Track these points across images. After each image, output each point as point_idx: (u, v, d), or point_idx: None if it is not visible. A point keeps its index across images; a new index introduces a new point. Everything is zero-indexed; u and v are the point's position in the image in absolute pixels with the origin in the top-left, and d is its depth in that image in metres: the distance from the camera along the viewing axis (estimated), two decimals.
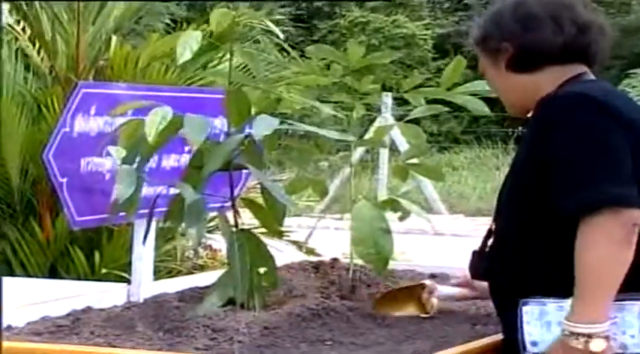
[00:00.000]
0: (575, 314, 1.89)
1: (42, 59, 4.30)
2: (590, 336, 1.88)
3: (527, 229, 2.03)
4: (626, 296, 1.92)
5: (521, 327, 1.99)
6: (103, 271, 4.10)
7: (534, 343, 1.97)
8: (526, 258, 2.03)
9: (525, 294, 1.98)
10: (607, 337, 1.89)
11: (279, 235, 3.63)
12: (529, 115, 2.11)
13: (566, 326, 1.90)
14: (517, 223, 2.07)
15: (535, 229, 2.02)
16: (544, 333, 1.96)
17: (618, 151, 1.94)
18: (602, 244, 1.88)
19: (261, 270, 2.28)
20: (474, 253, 2.20)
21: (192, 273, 4.18)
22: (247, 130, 2.38)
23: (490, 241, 2.16)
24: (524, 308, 1.98)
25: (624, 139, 1.95)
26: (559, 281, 1.96)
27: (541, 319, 1.96)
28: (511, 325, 2.03)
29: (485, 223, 2.78)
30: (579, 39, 2.06)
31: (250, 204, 2.44)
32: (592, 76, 2.11)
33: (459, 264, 2.73)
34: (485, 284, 2.21)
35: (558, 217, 1.94)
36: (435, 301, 2.33)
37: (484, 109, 2.63)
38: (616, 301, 1.91)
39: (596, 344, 1.88)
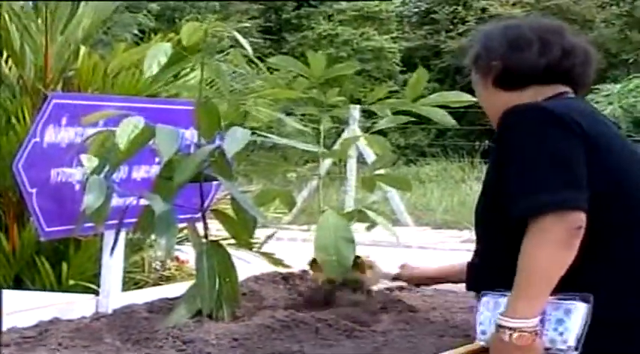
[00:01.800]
0: (508, 309, 1.97)
1: (10, 69, 4.28)
2: (514, 329, 1.95)
3: (498, 233, 2.09)
4: (562, 295, 1.98)
5: (475, 316, 2.06)
6: (71, 282, 4.07)
7: (484, 332, 2.05)
8: (500, 262, 2.08)
9: (487, 288, 2.04)
10: (533, 333, 1.95)
11: (249, 246, 3.63)
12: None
13: (498, 320, 1.98)
14: (488, 227, 2.13)
15: (501, 228, 2.07)
16: (492, 323, 2.02)
17: (566, 156, 2.00)
18: (544, 245, 1.95)
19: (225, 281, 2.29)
20: (468, 265, 2.25)
21: (159, 284, 4.16)
22: (217, 142, 2.39)
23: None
24: (483, 299, 2.06)
25: (576, 147, 2.01)
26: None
27: (494, 311, 2.03)
28: None
29: (452, 235, 2.81)
30: (563, 61, 2.15)
31: (220, 215, 2.45)
32: (571, 95, 2.18)
33: None
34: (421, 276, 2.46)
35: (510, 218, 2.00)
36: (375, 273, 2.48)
37: (450, 121, 2.66)
38: (555, 299, 1.98)
39: (520, 338, 1.95)
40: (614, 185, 2.04)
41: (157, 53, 2.32)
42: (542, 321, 1.97)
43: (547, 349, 1.98)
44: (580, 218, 1.95)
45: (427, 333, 2.29)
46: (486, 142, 16.65)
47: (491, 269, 2.10)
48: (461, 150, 16.70)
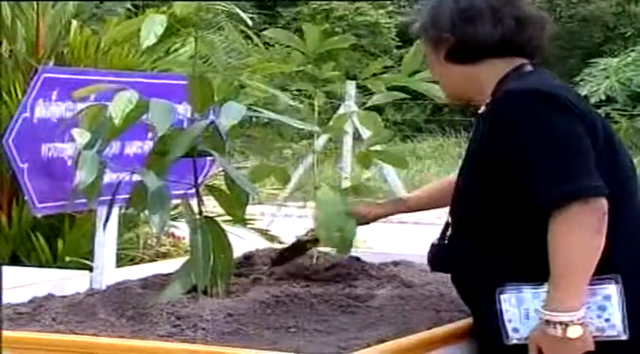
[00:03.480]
0: (552, 302, 1.94)
1: (1, 44, 4.25)
2: (567, 324, 1.92)
3: (489, 219, 2.06)
4: (595, 281, 1.96)
5: (501, 315, 2.02)
6: (66, 258, 4.07)
7: (516, 330, 2.01)
8: (494, 247, 2.06)
9: (499, 282, 2.01)
10: (583, 324, 1.93)
11: (243, 222, 3.62)
12: (479, 104, 2.14)
13: (543, 315, 1.95)
14: (476, 214, 2.09)
15: (500, 219, 2.04)
16: (523, 320, 2.00)
17: (582, 144, 1.99)
18: (576, 232, 1.93)
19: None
20: (433, 245, 2.22)
21: (155, 261, 4.16)
22: (211, 117, 2.37)
23: (449, 233, 2.18)
24: (502, 296, 2.02)
25: (583, 131, 2.00)
26: (531, 268, 2.00)
27: (519, 307, 2.00)
28: (485, 312, 2.05)
29: (448, 211, 2.80)
30: (518, 33, 2.08)
31: (214, 191, 2.43)
32: (530, 68, 2.13)
33: (422, 251, 2.74)
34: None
35: (530, 210, 1.98)
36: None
37: (443, 95, 2.64)
38: (589, 285, 1.96)
39: (574, 331, 1.92)
40: (609, 161, 2.03)
41: (153, 24, 2.29)
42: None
43: (595, 337, 1.95)
44: (604, 203, 1.95)
45: (423, 308, 2.28)
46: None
47: (486, 259, 2.07)
48: (457, 126, 16.70)
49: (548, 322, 1.93)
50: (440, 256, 2.19)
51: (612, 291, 1.96)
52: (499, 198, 2.04)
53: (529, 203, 1.98)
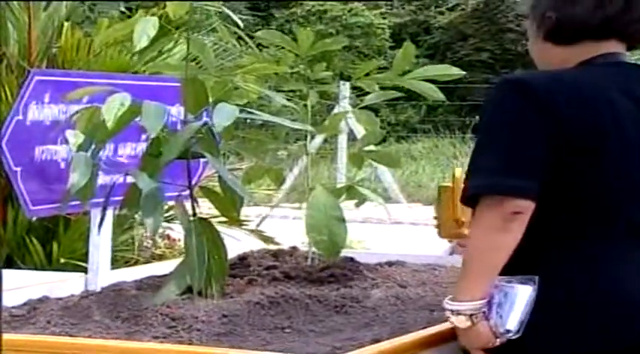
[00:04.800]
0: (454, 291, 1.99)
1: None
2: (453, 312, 1.97)
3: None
4: (508, 278, 1.97)
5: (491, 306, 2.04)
6: (61, 261, 4.06)
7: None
8: None
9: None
10: (473, 316, 1.95)
11: (238, 223, 3.62)
12: None
13: (444, 302, 2.00)
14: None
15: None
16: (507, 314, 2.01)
17: (519, 138, 1.94)
18: (478, 228, 1.95)
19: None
20: None
21: (150, 263, 4.16)
22: (204, 118, 2.37)
23: None
24: (495, 290, 2.01)
25: (538, 129, 1.93)
26: (519, 262, 1.98)
27: (505, 300, 2.00)
28: None
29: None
30: (624, 14, 2.02)
31: (208, 193, 2.43)
32: (617, 58, 2.05)
33: (418, 251, 2.75)
34: None
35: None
36: None
37: (438, 95, 2.64)
38: (502, 282, 1.97)
39: (459, 320, 1.96)
40: (586, 168, 1.96)
41: (145, 27, 2.29)
42: (490, 304, 1.96)
43: (493, 332, 1.97)
44: (516, 204, 1.91)
45: (417, 308, 2.28)
46: (477, 117, 16.66)
47: None
48: (452, 126, 16.71)
49: (443, 309, 1.99)
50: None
51: (514, 290, 1.96)
52: None
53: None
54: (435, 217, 2.68)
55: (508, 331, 1.96)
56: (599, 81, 2.02)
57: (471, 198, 1.96)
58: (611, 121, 1.98)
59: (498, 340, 1.97)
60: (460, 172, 2.52)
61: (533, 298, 1.95)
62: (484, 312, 1.96)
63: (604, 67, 2.05)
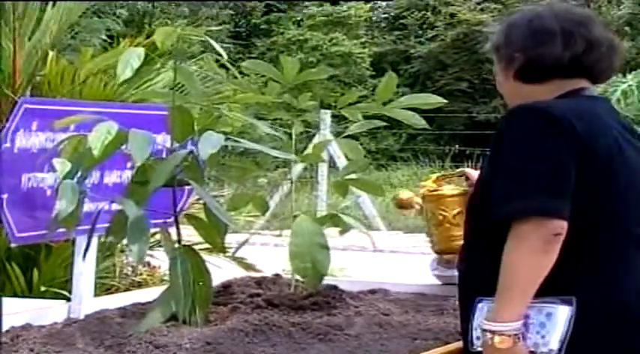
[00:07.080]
0: (492, 313, 2.00)
1: None
2: (495, 333, 1.98)
3: (480, 232, 2.11)
4: (546, 299, 2.01)
5: (471, 322, 2.07)
6: (42, 288, 4.04)
7: (478, 338, 2.06)
8: (480, 259, 2.10)
9: (484, 292, 2.06)
10: (515, 336, 1.97)
11: (223, 250, 3.63)
12: None
13: (481, 323, 2.01)
14: (472, 226, 2.15)
15: (486, 230, 2.09)
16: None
17: (553, 163, 2.01)
18: (520, 251, 1.98)
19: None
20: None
21: (130, 290, 4.14)
22: (190, 147, 2.39)
23: None
24: (478, 305, 2.07)
25: (566, 152, 2.01)
26: None
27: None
28: (462, 321, 2.12)
29: (424, 239, 2.82)
30: (587, 55, 2.12)
31: (193, 220, 2.44)
32: (591, 92, 2.16)
33: (399, 279, 2.76)
34: None
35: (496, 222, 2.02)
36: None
37: (420, 122, 2.68)
38: (539, 303, 2.00)
39: (500, 341, 1.98)
40: (600, 193, 2.04)
41: (130, 57, 2.32)
42: (526, 325, 1.99)
43: (531, 352, 1.99)
44: (558, 225, 1.97)
45: (400, 336, 2.30)
46: (456, 146, 16.72)
47: (474, 272, 2.12)
48: (431, 154, 16.77)
49: (484, 330, 2.00)
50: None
51: (557, 310, 2.00)
52: (486, 211, 2.09)
53: (491, 213, 2.03)
54: (427, 233, 2.71)
55: (551, 351, 1.99)
56: (595, 110, 2.12)
57: (503, 220, 1.98)
58: (615, 145, 2.09)
59: None
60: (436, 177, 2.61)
61: (572, 318, 2.00)
62: (523, 332, 1.99)
63: (589, 99, 2.14)
